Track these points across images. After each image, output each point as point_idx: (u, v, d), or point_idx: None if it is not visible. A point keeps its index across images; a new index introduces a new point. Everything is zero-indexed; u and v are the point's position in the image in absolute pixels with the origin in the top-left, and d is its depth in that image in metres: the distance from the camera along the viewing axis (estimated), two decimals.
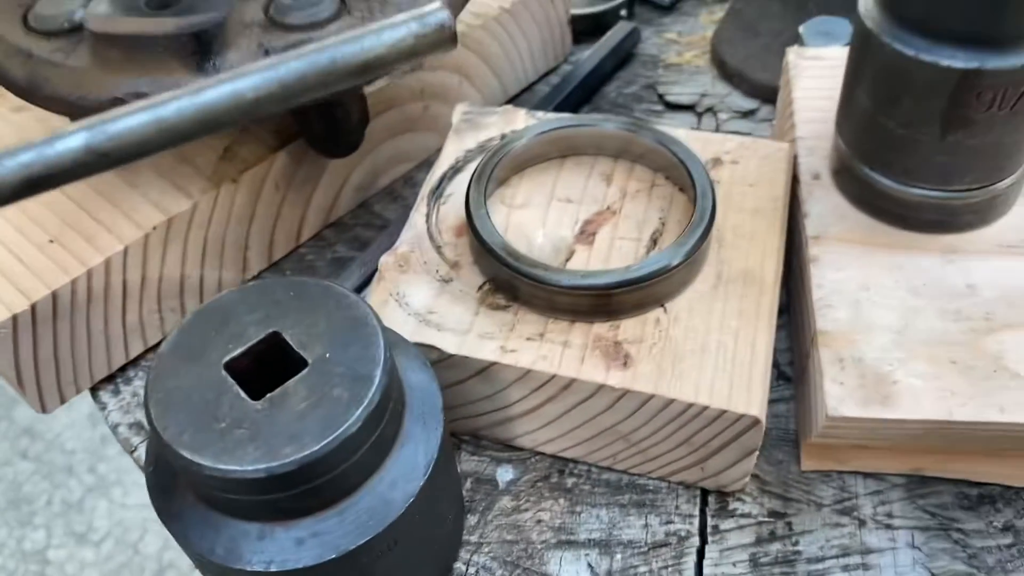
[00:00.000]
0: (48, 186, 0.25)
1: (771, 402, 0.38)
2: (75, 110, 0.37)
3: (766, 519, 0.35)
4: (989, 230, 0.37)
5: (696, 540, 0.35)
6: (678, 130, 0.41)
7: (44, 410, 0.40)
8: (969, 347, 0.33)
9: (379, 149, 0.48)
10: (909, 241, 0.37)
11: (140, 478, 1.36)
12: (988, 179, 0.35)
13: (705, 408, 0.32)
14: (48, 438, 1.43)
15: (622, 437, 0.35)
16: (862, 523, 0.35)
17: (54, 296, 0.37)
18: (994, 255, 0.36)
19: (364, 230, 0.48)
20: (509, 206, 0.39)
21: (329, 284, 0.30)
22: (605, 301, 0.34)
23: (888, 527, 0.34)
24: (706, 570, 0.34)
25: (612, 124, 0.39)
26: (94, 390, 0.42)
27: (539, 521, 0.36)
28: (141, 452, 0.39)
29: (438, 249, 0.38)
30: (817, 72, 0.44)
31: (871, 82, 0.34)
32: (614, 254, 0.37)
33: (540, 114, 0.43)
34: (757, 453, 0.33)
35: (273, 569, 0.27)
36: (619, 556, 0.34)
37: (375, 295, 0.36)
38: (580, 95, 0.53)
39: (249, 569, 0.27)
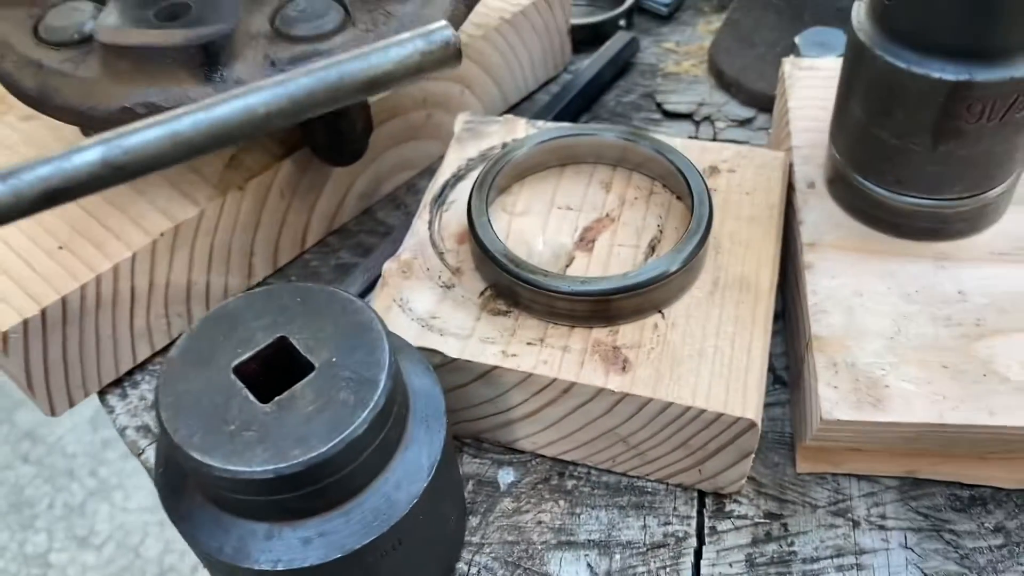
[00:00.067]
0: (66, 198, 0.26)
1: (767, 406, 0.39)
2: (85, 120, 0.38)
3: (762, 520, 0.36)
4: (980, 238, 0.38)
5: (693, 541, 0.35)
6: (676, 139, 0.41)
7: (53, 413, 0.40)
8: (960, 352, 0.34)
9: (382, 157, 0.49)
10: (902, 248, 0.38)
11: (141, 482, 1.36)
12: (979, 188, 0.36)
13: (702, 411, 0.32)
14: (50, 442, 1.44)
15: (621, 440, 0.35)
16: (856, 524, 0.35)
17: (64, 301, 0.38)
18: (985, 262, 0.37)
19: (367, 237, 0.48)
20: (510, 213, 0.40)
21: (335, 290, 0.30)
22: (604, 307, 0.34)
23: (881, 528, 0.35)
24: (703, 570, 0.35)
25: (611, 133, 0.40)
26: (102, 394, 0.42)
27: (539, 522, 0.36)
28: (148, 455, 0.40)
29: (440, 255, 0.38)
30: (812, 82, 0.45)
31: (864, 94, 0.35)
32: (613, 261, 0.38)
33: (540, 123, 0.44)
34: (753, 456, 0.34)
35: (280, 568, 0.28)
36: (618, 556, 0.35)
37: (379, 301, 0.37)
38: (580, 104, 0.54)
39: (257, 568, 0.28)
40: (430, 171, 0.52)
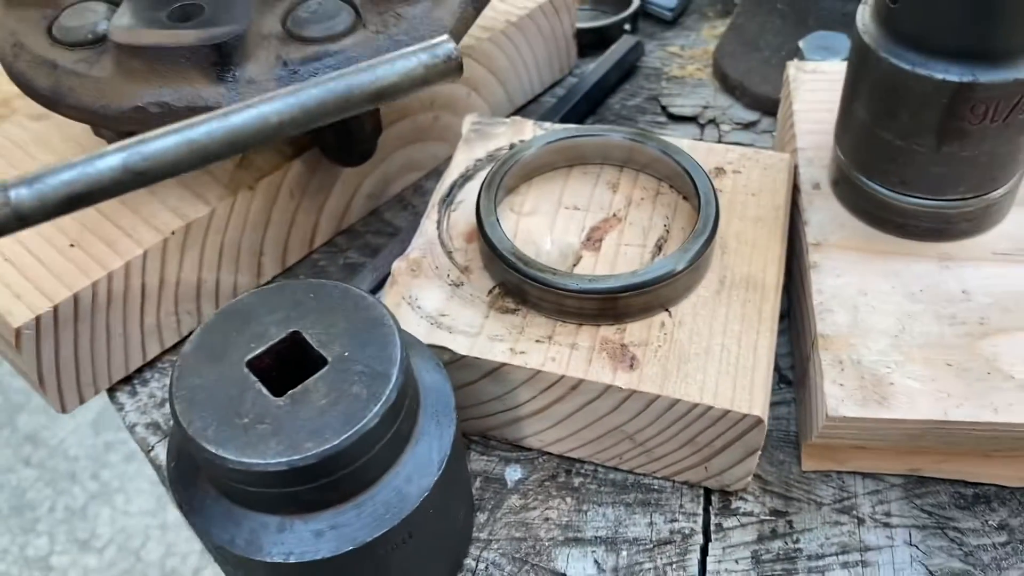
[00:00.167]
0: (88, 202, 0.27)
1: (772, 404, 0.39)
2: (98, 119, 0.38)
3: (768, 517, 0.36)
4: (984, 238, 0.38)
5: (700, 538, 0.36)
6: (682, 140, 0.42)
7: (64, 410, 0.41)
8: (964, 350, 0.34)
9: (390, 158, 0.49)
10: (906, 248, 0.38)
11: (143, 485, 1.36)
12: (982, 189, 0.36)
13: (709, 408, 0.33)
14: (52, 445, 1.44)
15: (628, 437, 0.36)
16: (861, 521, 0.36)
17: (75, 298, 0.38)
18: (988, 262, 0.37)
19: (375, 237, 0.49)
20: (518, 213, 0.40)
21: (347, 286, 0.31)
22: (612, 305, 0.35)
23: (886, 525, 0.35)
24: (709, 567, 0.35)
25: (618, 134, 0.41)
26: (111, 391, 0.43)
27: (547, 519, 0.36)
28: (158, 451, 0.40)
29: (449, 254, 0.39)
30: (817, 85, 0.45)
31: (869, 95, 0.36)
32: (620, 260, 0.38)
33: (547, 125, 0.44)
34: (759, 453, 0.34)
35: (292, 560, 0.28)
36: (625, 553, 0.35)
37: (388, 299, 0.37)
38: (585, 107, 0.54)
39: (269, 560, 0.28)
40: (437, 172, 0.52)
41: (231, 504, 0.29)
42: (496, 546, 0.36)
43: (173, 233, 0.40)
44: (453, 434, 0.31)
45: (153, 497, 1.36)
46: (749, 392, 0.33)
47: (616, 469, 0.38)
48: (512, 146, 0.43)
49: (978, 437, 0.33)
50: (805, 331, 0.38)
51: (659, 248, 0.38)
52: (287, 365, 0.29)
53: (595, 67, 0.56)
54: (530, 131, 0.44)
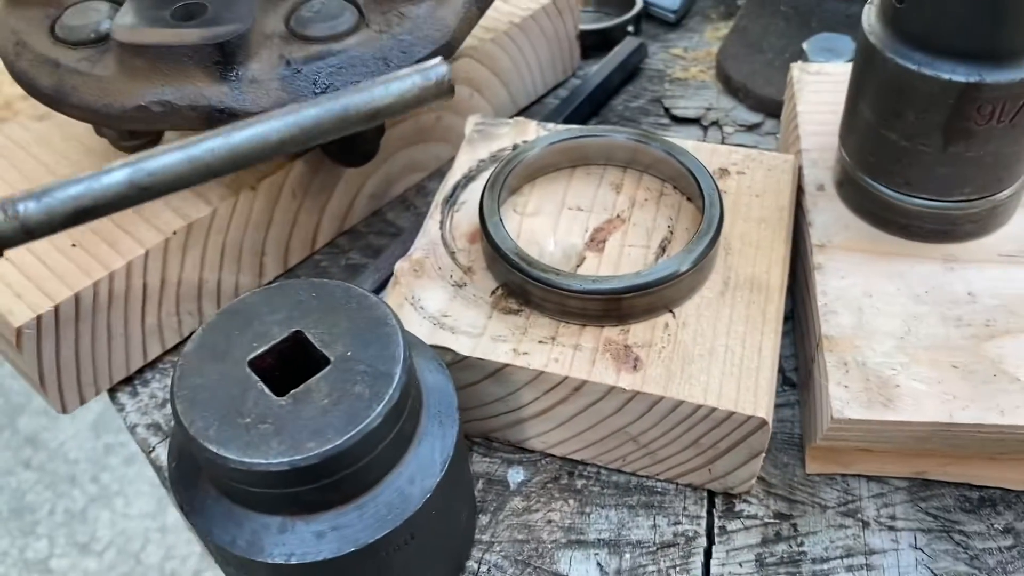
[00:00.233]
0: (93, 216, 0.28)
1: (776, 407, 0.39)
2: (101, 118, 0.38)
3: (772, 520, 0.36)
4: (989, 239, 0.38)
5: (703, 540, 0.35)
6: (687, 141, 0.42)
7: (64, 410, 0.40)
8: (970, 352, 0.34)
9: (393, 159, 0.49)
10: (911, 250, 0.38)
11: (143, 488, 1.36)
12: (988, 190, 0.36)
13: (713, 410, 0.33)
14: (51, 448, 1.44)
15: (631, 439, 0.35)
16: (866, 525, 0.35)
17: (77, 298, 0.38)
18: (994, 264, 0.37)
19: (377, 238, 0.49)
20: (521, 214, 0.40)
21: (349, 285, 0.31)
22: (616, 305, 0.35)
23: (891, 529, 0.35)
24: (713, 570, 0.35)
25: (622, 135, 0.40)
26: (112, 391, 0.42)
27: (549, 521, 0.36)
28: (158, 452, 0.40)
29: (452, 255, 0.39)
30: (820, 87, 0.45)
31: (874, 96, 0.36)
32: (624, 261, 0.38)
33: (550, 125, 0.44)
34: (763, 455, 0.34)
35: (294, 561, 0.28)
36: (628, 556, 0.35)
37: (391, 299, 0.37)
38: (588, 108, 0.54)
39: (270, 561, 0.28)
40: (439, 173, 0.52)
41: (232, 505, 0.29)
42: (498, 548, 0.36)
43: (175, 233, 0.40)
44: (456, 435, 0.31)
45: (153, 500, 1.35)
46: (753, 394, 0.33)
47: (619, 471, 0.38)
48: (515, 147, 0.43)
49: (984, 439, 0.33)
50: (809, 333, 0.37)
51: (663, 249, 0.38)
52: (289, 365, 0.29)
53: (598, 69, 0.56)
54: (533, 132, 0.44)
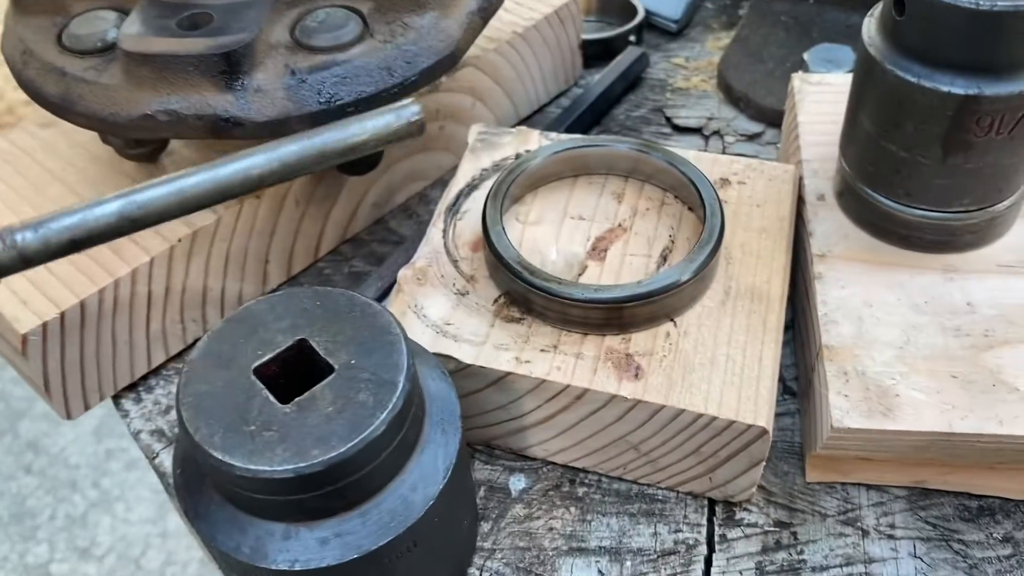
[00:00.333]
0: (88, 246, 0.30)
1: (776, 416, 0.39)
2: (107, 126, 0.38)
3: (772, 529, 0.36)
4: (988, 250, 0.38)
5: (704, 548, 0.36)
6: (688, 151, 0.42)
7: (69, 416, 0.41)
8: (969, 362, 0.34)
9: (395, 167, 0.49)
10: (911, 260, 0.38)
11: (143, 493, 1.36)
12: (987, 201, 0.36)
13: (714, 419, 0.33)
14: (52, 452, 1.44)
15: (632, 447, 0.36)
16: (865, 533, 0.36)
17: (82, 305, 0.38)
18: (993, 274, 0.37)
19: (380, 246, 0.49)
20: (523, 223, 0.40)
21: (353, 294, 0.31)
22: (617, 314, 0.35)
23: (891, 537, 0.35)
24: None
25: (623, 145, 0.41)
26: (116, 398, 0.43)
27: (551, 529, 0.36)
28: (162, 458, 0.40)
29: (455, 263, 0.39)
30: (822, 97, 0.45)
31: (874, 107, 0.36)
32: (625, 270, 0.38)
33: (553, 135, 0.44)
34: (764, 464, 0.34)
35: (297, 568, 0.28)
36: (629, 563, 0.35)
37: (394, 307, 0.37)
38: (590, 117, 0.55)
39: (274, 568, 0.28)
40: (442, 182, 0.52)
41: (237, 511, 0.29)
42: (500, 555, 0.36)
43: (180, 240, 0.40)
44: (459, 442, 0.31)
45: (153, 505, 1.36)
46: (754, 403, 0.33)
47: (620, 479, 0.38)
48: (518, 156, 0.43)
49: (983, 449, 0.33)
50: (810, 342, 0.38)
51: (664, 258, 0.38)
52: (294, 372, 0.29)
53: (600, 78, 0.56)
54: (536, 141, 0.44)
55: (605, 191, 0.42)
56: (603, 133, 0.55)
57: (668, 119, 0.56)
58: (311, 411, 0.28)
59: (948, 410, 0.33)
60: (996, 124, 0.33)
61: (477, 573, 0.35)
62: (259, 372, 0.29)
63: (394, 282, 0.39)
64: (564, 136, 0.44)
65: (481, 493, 0.38)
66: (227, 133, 0.37)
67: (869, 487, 0.37)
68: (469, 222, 0.41)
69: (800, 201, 0.41)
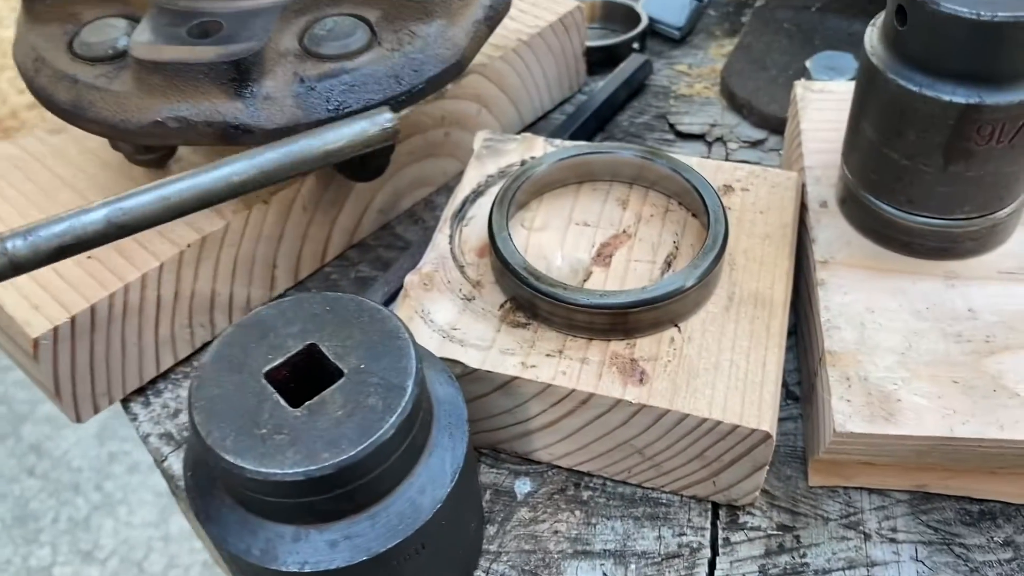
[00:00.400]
0: (76, 251, 0.31)
1: (779, 421, 0.39)
2: (118, 133, 0.39)
3: (775, 532, 0.36)
4: (989, 257, 0.38)
5: (707, 552, 0.36)
6: (691, 158, 0.42)
7: (79, 419, 0.41)
8: (970, 368, 0.35)
9: (401, 173, 0.50)
10: (912, 267, 0.38)
11: (146, 497, 1.37)
12: (988, 208, 0.37)
13: (718, 423, 0.33)
14: (55, 456, 1.44)
15: (637, 451, 0.36)
16: (867, 537, 0.36)
17: (92, 309, 0.39)
18: (994, 281, 0.38)
19: (386, 251, 0.49)
20: (529, 229, 0.41)
21: (362, 299, 0.31)
22: (622, 320, 0.35)
23: (893, 541, 0.36)
24: None
25: (628, 152, 0.41)
26: (125, 401, 0.43)
27: (556, 532, 0.37)
28: (170, 462, 0.41)
29: (461, 269, 0.39)
30: (824, 104, 0.46)
31: (876, 116, 0.36)
32: (630, 275, 0.38)
33: (558, 142, 0.45)
34: (767, 468, 0.35)
35: (307, 570, 0.28)
36: (633, 566, 0.36)
37: (401, 312, 0.38)
38: (594, 124, 0.55)
39: (284, 570, 0.28)
40: (447, 188, 0.53)
41: (247, 514, 0.29)
42: (506, 558, 0.36)
43: (189, 246, 0.41)
44: (466, 446, 0.31)
45: (156, 509, 1.36)
46: (758, 407, 0.33)
47: (624, 483, 0.38)
48: (523, 162, 0.43)
49: (984, 454, 0.33)
50: (812, 347, 0.38)
51: (668, 264, 0.39)
52: (304, 377, 0.30)
53: (604, 85, 0.57)
54: (541, 148, 0.44)
55: (610, 197, 0.42)
56: (607, 140, 0.55)
57: (671, 126, 0.56)
58: (321, 415, 0.28)
59: (949, 415, 0.33)
60: (997, 133, 0.33)
61: (483, 575, 0.36)
62: (270, 376, 0.29)
63: (400, 287, 0.39)
64: (569, 143, 0.44)
65: (487, 496, 0.38)
66: (237, 140, 0.38)
67: (871, 491, 0.37)
68: (475, 228, 0.41)
69: (803, 208, 0.42)
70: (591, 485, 0.38)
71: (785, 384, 0.41)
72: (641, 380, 0.34)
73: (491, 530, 0.37)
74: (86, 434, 1.45)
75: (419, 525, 0.29)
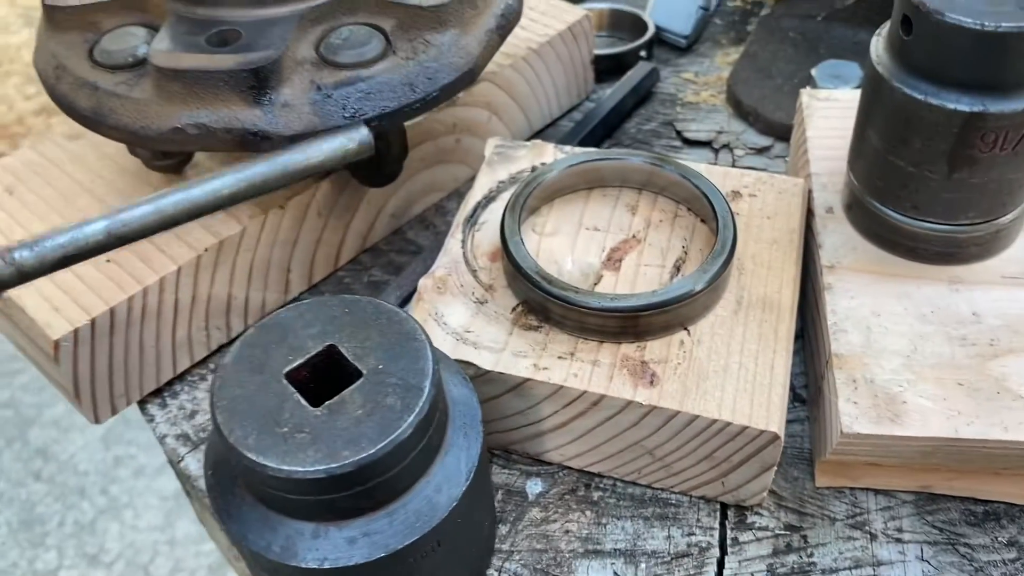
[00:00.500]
0: (79, 260, 0.34)
1: (787, 423, 0.40)
2: (138, 139, 0.40)
3: (783, 532, 0.37)
4: (993, 262, 0.39)
5: (716, 551, 0.37)
6: (699, 164, 0.43)
7: (97, 420, 0.42)
8: (975, 371, 0.35)
9: (413, 179, 0.50)
10: (917, 272, 0.39)
11: (152, 501, 1.37)
12: (992, 214, 0.37)
13: (727, 424, 0.34)
14: (61, 460, 1.45)
15: (647, 452, 0.37)
16: (873, 537, 0.36)
17: (112, 312, 0.39)
18: (998, 285, 0.38)
19: (398, 255, 0.50)
20: (540, 234, 0.42)
21: (379, 302, 0.32)
22: (632, 323, 0.36)
23: (898, 541, 0.36)
24: None
25: (637, 158, 0.42)
26: (142, 403, 0.44)
27: (567, 531, 0.37)
28: (187, 462, 0.42)
29: (473, 273, 0.40)
30: (830, 112, 0.46)
31: (882, 123, 0.37)
32: (640, 280, 0.39)
33: (568, 148, 0.45)
34: (775, 468, 0.35)
35: (327, 566, 0.29)
36: (643, 565, 0.36)
37: (415, 314, 0.38)
38: (602, 131, 0.56)
39: (304, 566, 0.29)
40: (458, 193, 0.53)
41: (268, 511, 0.30)
42: (517, 557, 0.37)
43: (206, 250, 0.42)
44: (480, 446, 0.32)
45: (162, 513, 1.36)
46: (766, 409, 0.34)
47: (634, 484, 0.39)
48: (534, 168, 0.44)
49: (988, 455, 0.34)
50: (819, 351, 0.39)
51: (677, 269, 0.40)
52: (323, 377, 0.30)
53: (612, 92, 0.57)
54: (551, 154, 0.45)
55: (619, 203, 0.43)
56: (615, 146, 0.56)
57: (678, 132, 0.57)
58: (341, 414, 0.29)
59: (954, 416, 0.34)
60: (1000, 140, 0.34)
61: (496, 574, 0.36)
62: (290, 376, 0.30)
63: (413, 291, 0.40)
64: (578, 149, 0.45)
65: (499, 496, 0.39)
66: (255, 147, 0.38)
67: (877, 492, 0.38)
68: (487, 233, 0.42)
69: (809, 213, 0.42)
70: (601, 486, 0.39)
71: (792, 387, 0.42)
72: (651, 382, 0.35)
73: (503, 530, 0.38)
74: (92, 438, 1.46)
75: (435, 523, 0.30)
